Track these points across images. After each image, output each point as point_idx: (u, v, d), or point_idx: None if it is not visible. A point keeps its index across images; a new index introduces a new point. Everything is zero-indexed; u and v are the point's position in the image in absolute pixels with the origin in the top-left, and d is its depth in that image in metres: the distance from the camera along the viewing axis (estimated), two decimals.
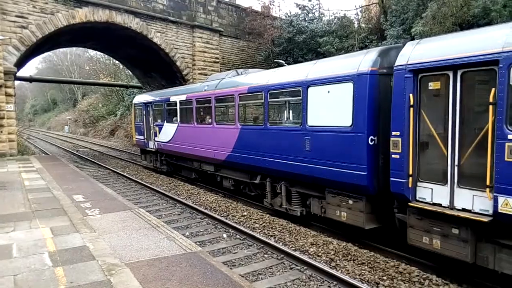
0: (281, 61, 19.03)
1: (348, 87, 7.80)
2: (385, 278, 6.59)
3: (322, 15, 25.85)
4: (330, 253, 7.72)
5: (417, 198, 6.68)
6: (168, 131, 16.58)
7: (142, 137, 19.80)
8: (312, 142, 8.72)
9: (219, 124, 12.96)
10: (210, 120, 13.47)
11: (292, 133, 9.41)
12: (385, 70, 7.48)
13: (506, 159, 5.24)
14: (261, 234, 8.91)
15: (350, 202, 8.13)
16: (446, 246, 6.33)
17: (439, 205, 6.34)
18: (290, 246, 8.17)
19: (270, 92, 10.19)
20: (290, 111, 10.35)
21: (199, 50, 25.87)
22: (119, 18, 22.17)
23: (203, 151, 13.66)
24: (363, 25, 23.05)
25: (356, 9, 29.23)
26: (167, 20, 24.28)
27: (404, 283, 6.42)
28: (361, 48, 19.11)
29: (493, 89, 5.40)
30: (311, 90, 8.76)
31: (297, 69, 9.87)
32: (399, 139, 6.74)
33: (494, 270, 5.87)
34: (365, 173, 7.50)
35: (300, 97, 9.06)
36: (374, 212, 7.88)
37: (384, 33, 19.47)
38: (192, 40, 25.73)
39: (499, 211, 5.35)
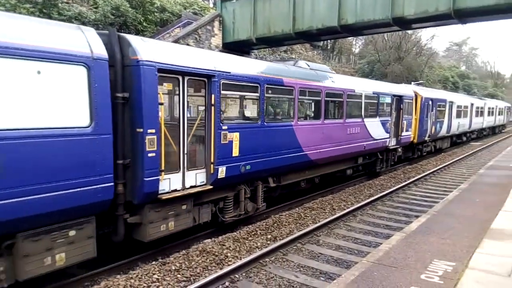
0: None
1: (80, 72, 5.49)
2: None
3: None
4: None
5: (159, 191, 6.96)
6: None
7: None
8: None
9: None
10: None
11: None
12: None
13: (221, 142, 7.97)
14: None
15: (72, 233, 5.68)
16: (178, 223, 7.49)
17: (175, 190, 7.30)
18: None
19: None
20: None
21: None
22: None
23: None
24: None
25: None
26: None
27: None
28: None
29: (212, 95, 7.73)
30: None
31: None
32: (155, 136, 6.60)
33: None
34: (111, 183, 6.00)
35: None
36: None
37: None
38: None
39: (218, 177, 7.98)
